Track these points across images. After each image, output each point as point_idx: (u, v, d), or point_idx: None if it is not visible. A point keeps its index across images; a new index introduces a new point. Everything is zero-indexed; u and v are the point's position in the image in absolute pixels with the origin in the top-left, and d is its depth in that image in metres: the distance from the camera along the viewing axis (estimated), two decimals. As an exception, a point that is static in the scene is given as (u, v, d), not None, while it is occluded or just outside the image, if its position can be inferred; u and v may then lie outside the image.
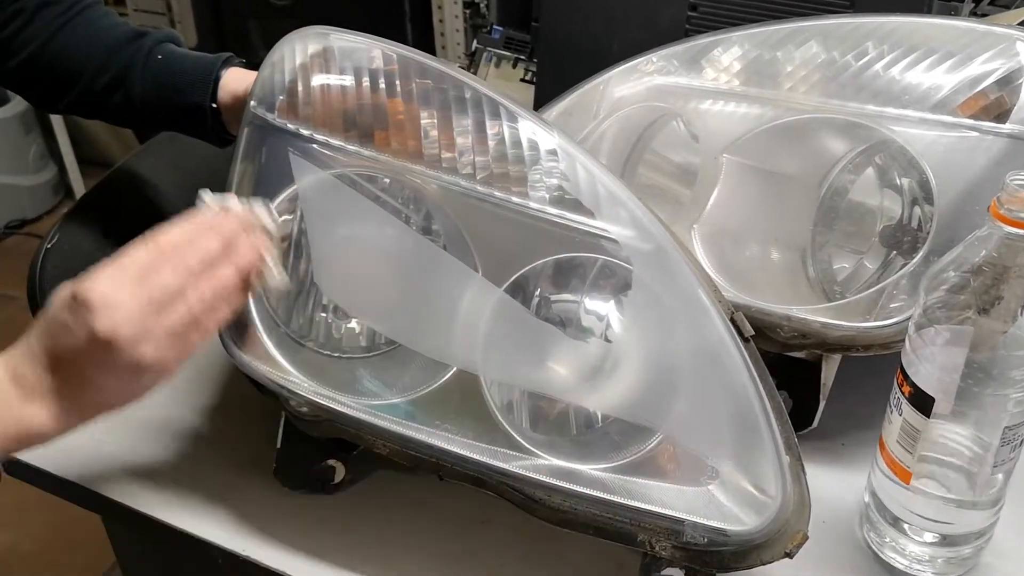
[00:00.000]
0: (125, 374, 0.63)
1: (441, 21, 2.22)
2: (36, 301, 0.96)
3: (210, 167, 1.11)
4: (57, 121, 2.93)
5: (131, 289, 0.62)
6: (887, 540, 0.76)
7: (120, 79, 0.92)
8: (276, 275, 0.71)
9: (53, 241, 0.98)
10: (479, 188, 0.75)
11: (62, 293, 0.63)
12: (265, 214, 0.72)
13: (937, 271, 0.69)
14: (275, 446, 0.82)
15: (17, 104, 2.89)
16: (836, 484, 0.82)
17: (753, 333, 0.71)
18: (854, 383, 0.88)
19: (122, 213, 1.07)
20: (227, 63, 0.91)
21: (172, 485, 0.84)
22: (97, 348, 0.61)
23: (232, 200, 0.72)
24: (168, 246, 0.66)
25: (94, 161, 3.02)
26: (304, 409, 0.73)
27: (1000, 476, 0.70)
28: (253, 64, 0.83)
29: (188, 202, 1.09)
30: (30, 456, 0.83)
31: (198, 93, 0.90)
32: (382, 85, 0.77)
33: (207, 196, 0.72)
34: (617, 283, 0.75)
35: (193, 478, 0.84)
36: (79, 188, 3.05)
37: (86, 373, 0.63)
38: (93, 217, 1.03)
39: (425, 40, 2.26)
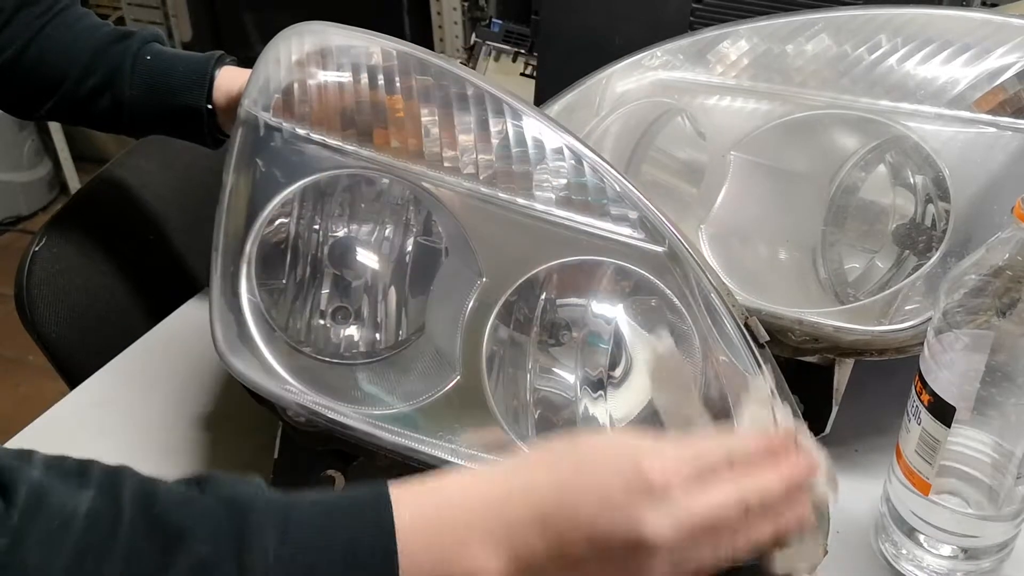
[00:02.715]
0: None
1: (439, 14, 2.20)
2: (23, 304, 0.93)
3: (201, 167, 1.09)
4: (51, 117, 2.90)
5: (689, 509, 0.51)
6: (903, 552, 0.73)
7: (107, 82, 0.88)
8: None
9: (41, 243, 0.95)
10: (482, 189, 0.72)
11: (626, 467, 0.51)
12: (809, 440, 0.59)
13: (958, 274, 0.66)
14: (272, 457, 0.79)
15: (10, 100, 2.86)
16: (850, 493, 0.78)
17: (768, 339, 0.69)
18: (867, 387, 0.85)
19: (111, 215, 1.05)
20: (220, 62, 0.88)
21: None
22: (630, 551, 0.50)
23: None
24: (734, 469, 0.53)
25: (89, 157, 3.00)
26: (301, 419, 0.70)
27: (1023, 488, 0.68)
28: (249, 60, 0.80)
29: (177, 203, 1.08)
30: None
31: (193, 94, 0.87)
32: (381, 82, 0.75)
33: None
34: (626, 287, 0.73)
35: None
36: (74, 184, 3.03)
37: (587, 567, 0.51)
38: (81, 220, 1.01)
39: (423, 33, 2.24)
